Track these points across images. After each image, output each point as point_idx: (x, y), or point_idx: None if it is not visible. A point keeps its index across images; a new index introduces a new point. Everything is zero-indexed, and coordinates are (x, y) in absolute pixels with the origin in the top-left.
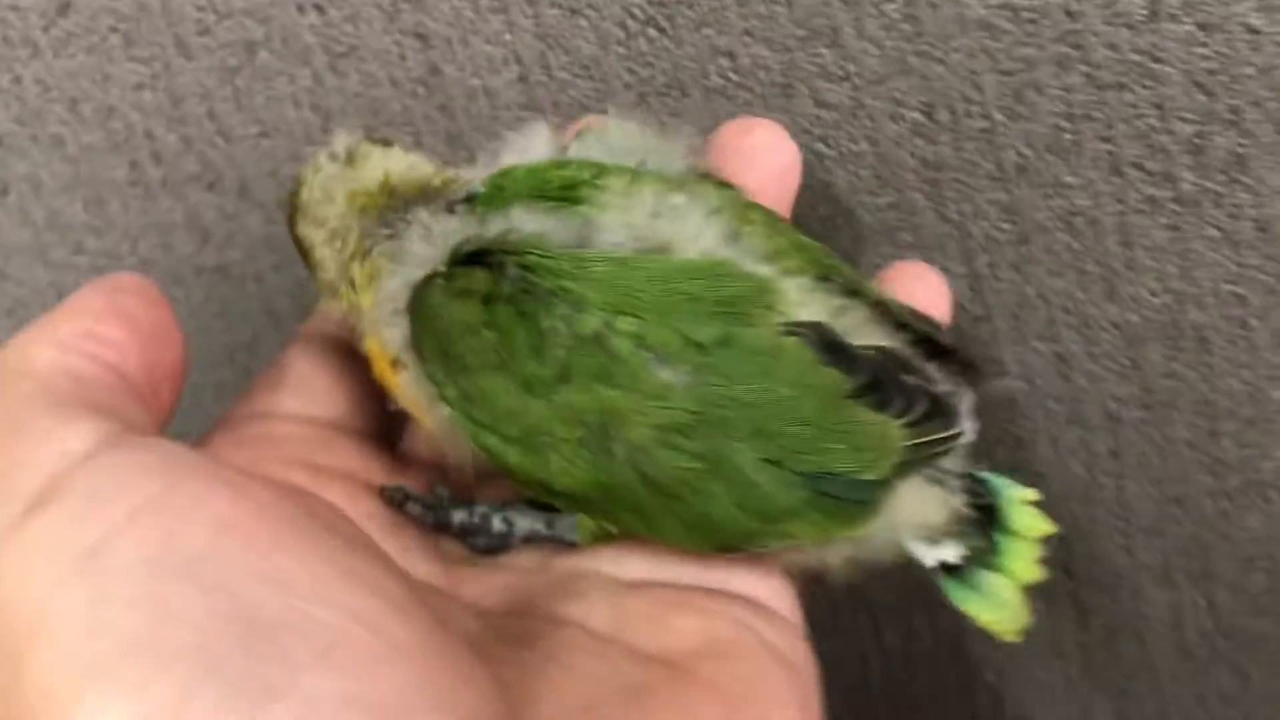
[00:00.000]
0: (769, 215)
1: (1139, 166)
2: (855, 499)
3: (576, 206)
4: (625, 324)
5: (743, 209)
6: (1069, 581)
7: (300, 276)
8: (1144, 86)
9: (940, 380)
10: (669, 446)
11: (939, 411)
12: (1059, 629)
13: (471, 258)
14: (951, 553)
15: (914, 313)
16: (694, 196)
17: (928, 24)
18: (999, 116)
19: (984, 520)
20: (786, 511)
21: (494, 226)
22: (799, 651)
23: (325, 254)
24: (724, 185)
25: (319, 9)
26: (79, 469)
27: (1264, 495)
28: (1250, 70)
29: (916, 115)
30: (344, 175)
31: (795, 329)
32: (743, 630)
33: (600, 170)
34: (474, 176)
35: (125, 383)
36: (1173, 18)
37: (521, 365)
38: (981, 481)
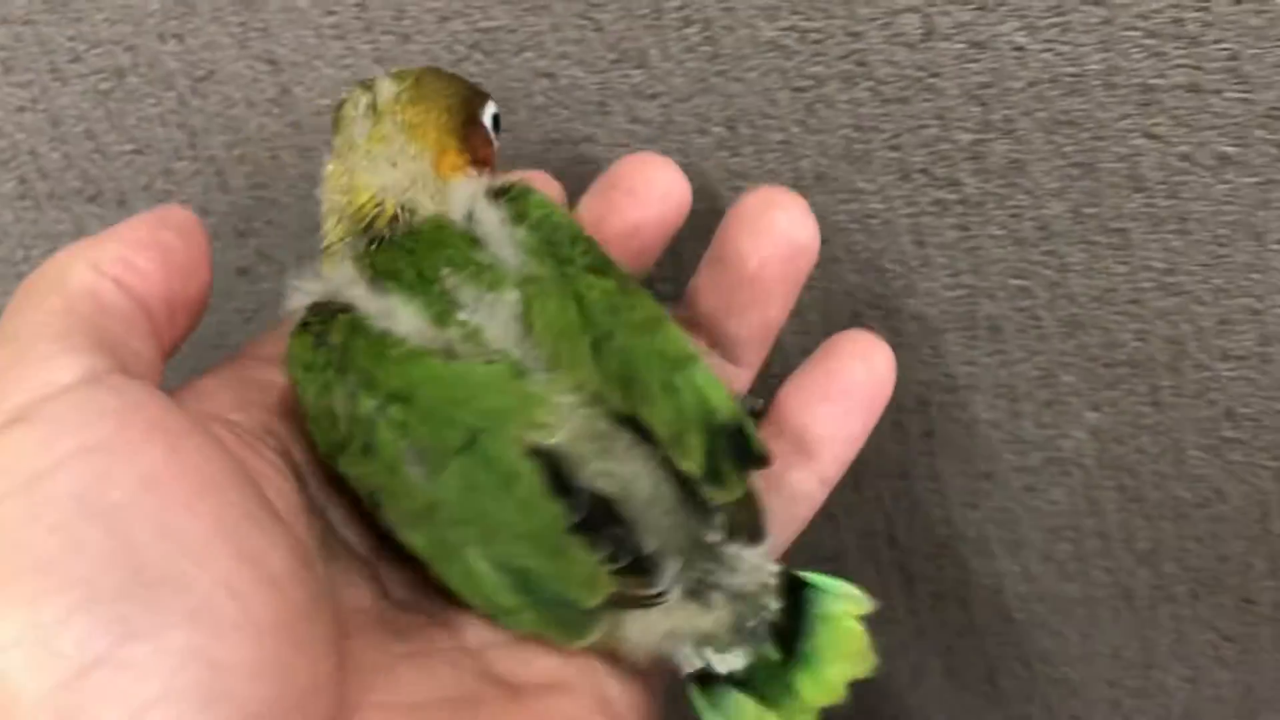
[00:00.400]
0: (583, 313)
1: (925, 172)
2: (571, 617)
3: (386, 283)
4: (395, 412)
5: (550, 306)
6: (895, 551)
7: None
8: (924, 99)
9: (663, 532)
10: (411, 528)
11: (640, 569)
12: (889, 595)
13: (317, 307)
14: (727, 662)
15: (710, 435)
16: (500, 292)
17: (725, 46)
18: (795, 129)
19: (790, 628)
20: (515, 608)
21: (333, 281)
22: (634, 710)
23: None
24: (566, 259)
25: (178, 38)
26: (54, 399)
27: (1065, 470)
28: (1019, 84)
29: (720, 130)
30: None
31: (537, 451)
32: (588, 677)
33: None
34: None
35: (143, 311)
36: (946, 37)
37: (320, 419)
38: (802, 585)
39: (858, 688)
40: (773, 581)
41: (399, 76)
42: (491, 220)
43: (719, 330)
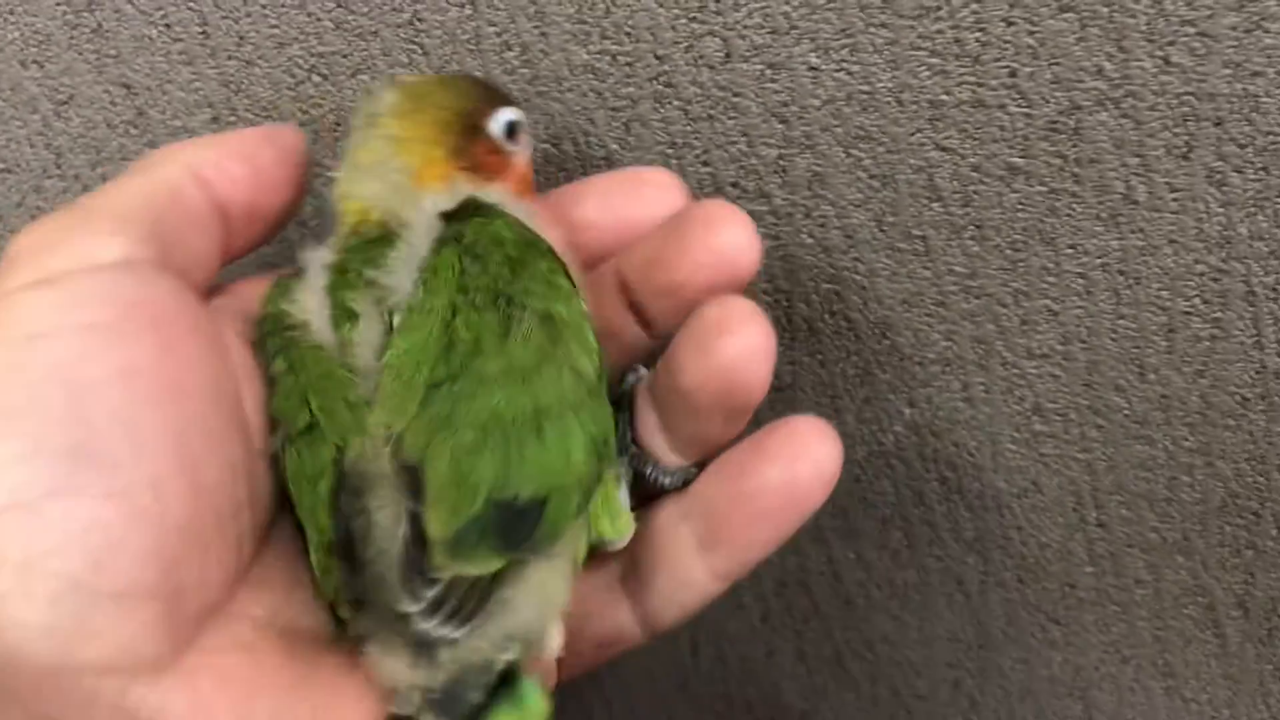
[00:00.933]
0: (444, 352)
1: (736, 185)
2: (334, 617)
3: (330, 278)
4: (287, 381)
5: (408, 340)
6: None
7: None
8: (730, 117)
9: (384, 585)
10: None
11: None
12: (736, 583)
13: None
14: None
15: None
16: (381, 313)
17: (542, 68)
18: (614, 146)
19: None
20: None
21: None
22: None
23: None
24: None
25: (38, 64)
26: (83, 274)
27: (888, 464)
28: (817, 101)
29: (547, 146)
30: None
31: (337, 463)
32: None
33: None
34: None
35: (219, 214)
36: (745, 59)
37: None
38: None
39: (715, 669)
40: (473, 664)
41: (400, 84)
42: (420, 239)
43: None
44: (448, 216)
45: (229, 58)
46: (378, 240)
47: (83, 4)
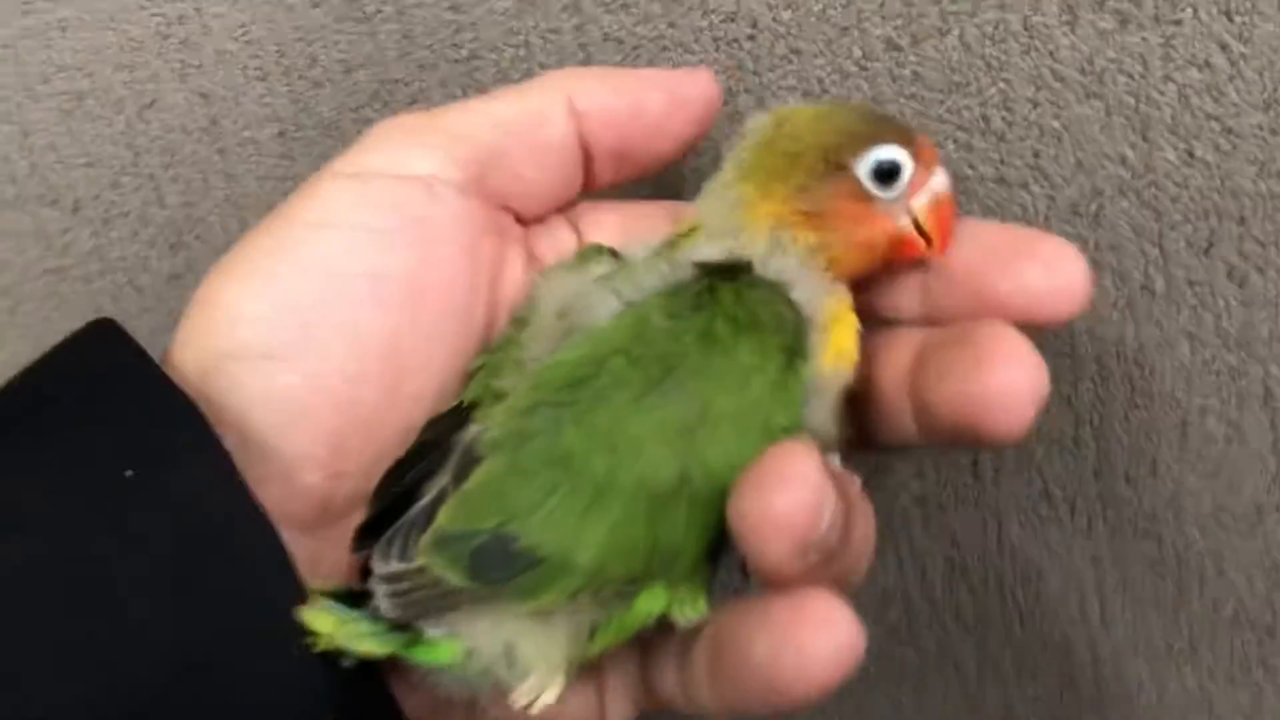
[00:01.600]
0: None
1: None
2: None
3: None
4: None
5: (571, 355)
6: None
7: None
8: None
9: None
10: None
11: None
12: None
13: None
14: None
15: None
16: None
17: None
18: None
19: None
20: None
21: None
22: None
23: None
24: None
25: (129, 69)
26: (390, 179)
27: (894, 535)
28: None
29: None
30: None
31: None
32: None
33: None
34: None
35: (580, 151)
36: None
37: None
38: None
39: None
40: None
41: (778, 110)
42: (658, 280)
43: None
44: (708, 268)
45: (299, 77)
46: (650, 258)
47: (174, 17)
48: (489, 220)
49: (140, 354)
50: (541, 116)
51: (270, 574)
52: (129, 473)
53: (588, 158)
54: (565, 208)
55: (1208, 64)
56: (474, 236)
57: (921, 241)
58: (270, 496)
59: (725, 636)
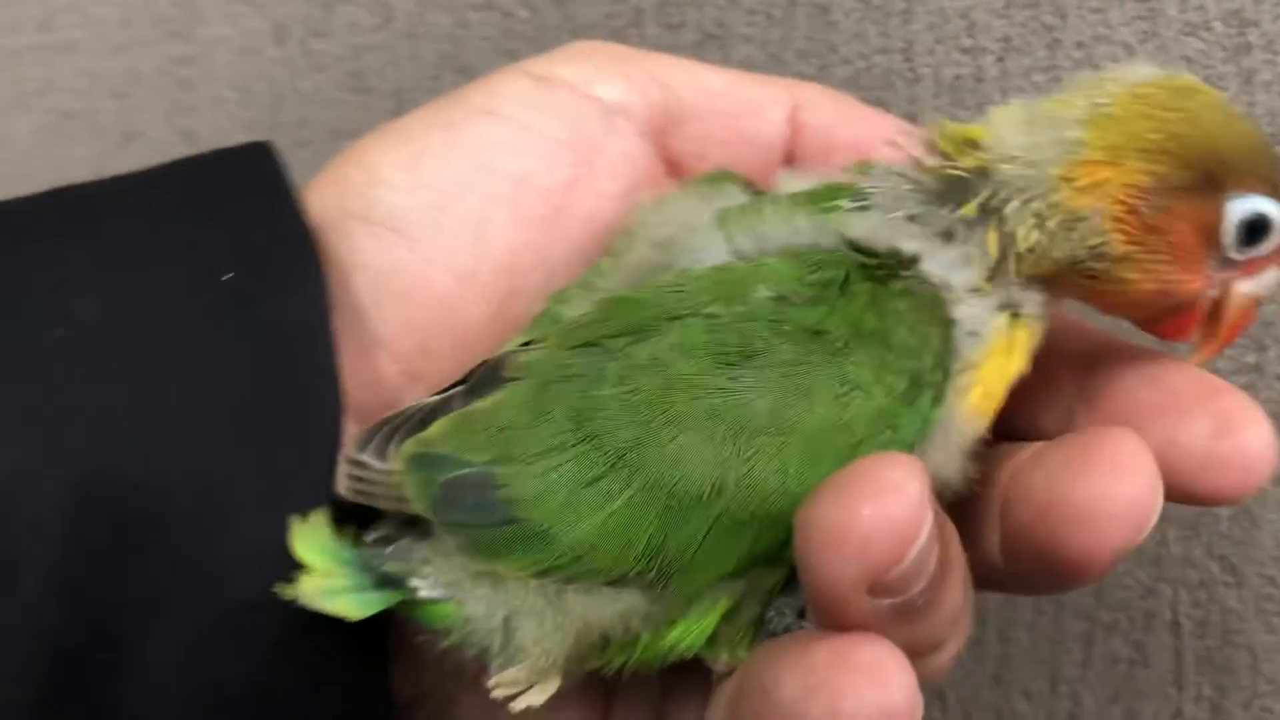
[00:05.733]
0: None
1: None
2: None
3: None
4: None
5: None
6: None
7: None
8: None
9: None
10: None
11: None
12: None
13: None
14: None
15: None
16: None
17: None
18: None
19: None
20: None
21: None
22: None
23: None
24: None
25: (122, 97)
26: (576, 92)
27: None
28: None
29: None
30: None
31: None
32: None
33: None
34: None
35: (775, 153)
36: None
37: None
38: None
39: None
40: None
41: (1173, 73)
42: (787, 235)
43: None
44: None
45: (285, 135)
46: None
47: (181, 58)
48: (654, 175)
49: (281, 176)
50: (757, 108)
51: (318, 428)
52: (228, 276)
53: (770, 163)
54: None
55: None
56: (635, 182)
57: (1199, 329)
58: (343, 368)
59: (753, 675)
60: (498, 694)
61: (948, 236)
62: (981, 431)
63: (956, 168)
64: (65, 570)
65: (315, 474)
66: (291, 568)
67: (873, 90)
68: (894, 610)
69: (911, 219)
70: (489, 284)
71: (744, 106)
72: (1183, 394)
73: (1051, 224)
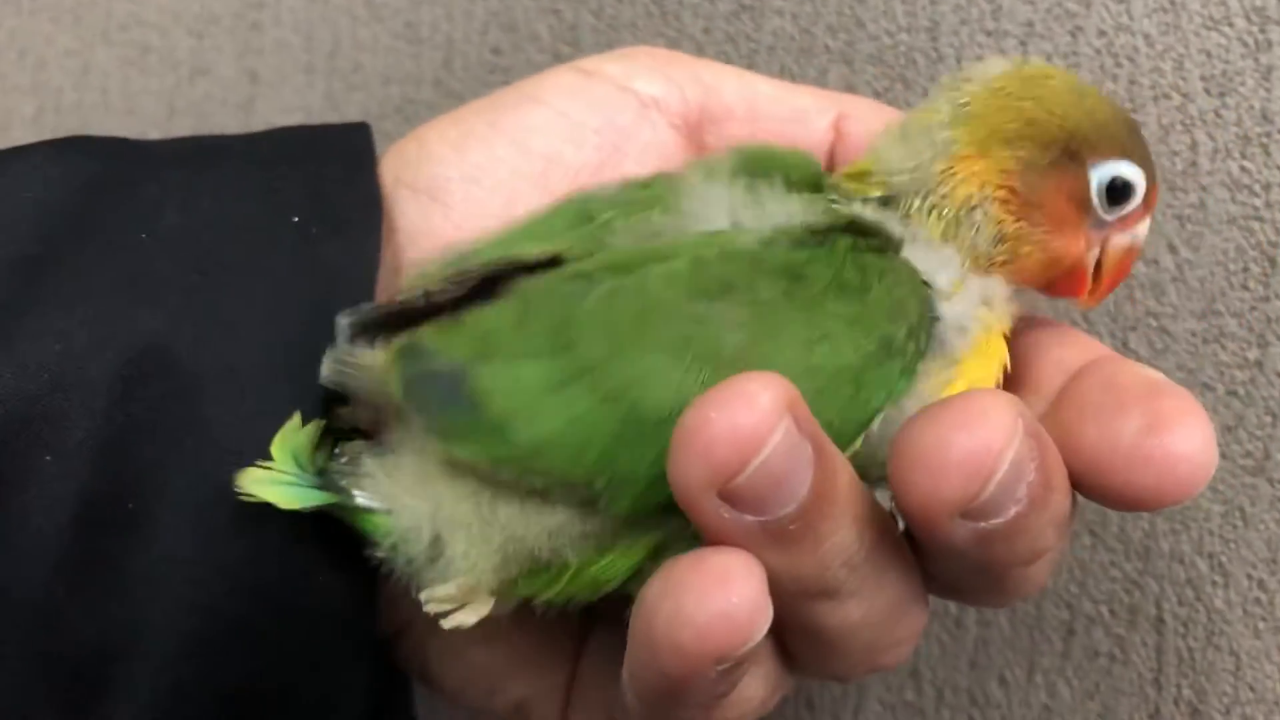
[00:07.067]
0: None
1: None
2: None
3: None
4: None
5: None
6: None
7: None
8: None
9: None
10: None
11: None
12: None
13: None
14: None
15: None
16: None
17: None
18: None
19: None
20: None
21: None
22: None
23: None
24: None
25: (198, 35)
26: (615, 85)
27: None
28: None
29: None
30: None
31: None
32: None
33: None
34: None
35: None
36: None
37: None
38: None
39: None
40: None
41: (1026, 62)
42: (783, 216)
43: None
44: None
45: (340, 79)
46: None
47: (255, 2)
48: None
49: (366, 149)
50: (802, 115)
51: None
52: (295, 219)
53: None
54: None
55: (1155, 261)
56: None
57: (1090, 283)
58: None
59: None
60: (429, 608)
61: (961, 216)
62: None
63: (869, 199)
64: (107, 429)
65: (330, 393)
66: None
67: (896, 67)
68: (764, 531)
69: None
70: None
71: (790, 113)
72: (1126, 392)
73: (949, 214)
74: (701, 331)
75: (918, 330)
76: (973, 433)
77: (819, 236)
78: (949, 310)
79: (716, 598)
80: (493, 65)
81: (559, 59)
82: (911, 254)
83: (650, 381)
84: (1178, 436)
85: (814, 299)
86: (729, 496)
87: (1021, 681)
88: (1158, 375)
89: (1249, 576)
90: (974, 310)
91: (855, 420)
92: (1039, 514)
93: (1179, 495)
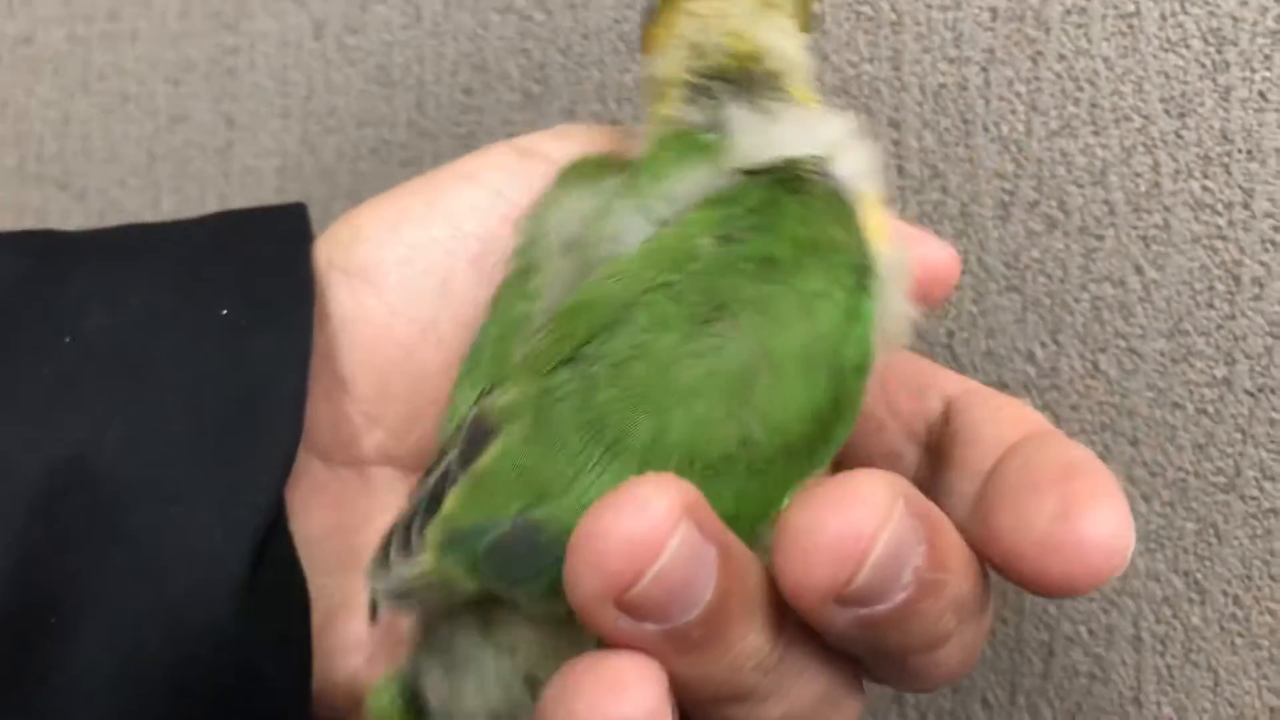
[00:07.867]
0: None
1: None
2: None
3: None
4: None
5: (596, 291)
6: None
7: None
8: None
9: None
10: None
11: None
12: None
13: None
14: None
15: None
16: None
17: None
18: None
19: None
20: None
21: None
22: None
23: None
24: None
25: (175, 83)
26: (550, 164)
27: None
28: None
29: None
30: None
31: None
32: None
33: None
34: None
35: None
36: None
37: None
38: None
39: None
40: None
41: None
42: (697, 187)
43: None
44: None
45: (315, 121)
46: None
47: (230, 47)
48: None
49: (302, 231)
50: None
51: (275, 452)
52: (225, 311)
53: None
54: None
55: (1122, 282)
56: None
57: None
58: (309, 404)
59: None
60: None
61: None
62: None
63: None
64: (27, 540)
65: (261, 492)
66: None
67: (859, 98)
68: (667, 638)
69: (765, 117)
70: (448, 334)
71: None
72: (1042, 475)
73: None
74: (723, 359)
75: (862, 235)
76: (845, 515)
77: (765, 206)
78: (844, 171)
79: (608, 706)
80: (464, 105)
81: (529, 97)
82: (798, 128)
83: (708, 428)
84: (1088, 522)
85: (792, 274)
86: (626, 607)
87: (1004, 703)
88: (1078, 454)
89: (1224, 593)
90: (856, 166)
91: (865, 348)
92: (933, 599)
93: (1091, 582)
